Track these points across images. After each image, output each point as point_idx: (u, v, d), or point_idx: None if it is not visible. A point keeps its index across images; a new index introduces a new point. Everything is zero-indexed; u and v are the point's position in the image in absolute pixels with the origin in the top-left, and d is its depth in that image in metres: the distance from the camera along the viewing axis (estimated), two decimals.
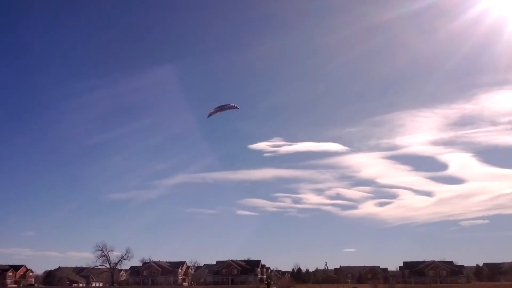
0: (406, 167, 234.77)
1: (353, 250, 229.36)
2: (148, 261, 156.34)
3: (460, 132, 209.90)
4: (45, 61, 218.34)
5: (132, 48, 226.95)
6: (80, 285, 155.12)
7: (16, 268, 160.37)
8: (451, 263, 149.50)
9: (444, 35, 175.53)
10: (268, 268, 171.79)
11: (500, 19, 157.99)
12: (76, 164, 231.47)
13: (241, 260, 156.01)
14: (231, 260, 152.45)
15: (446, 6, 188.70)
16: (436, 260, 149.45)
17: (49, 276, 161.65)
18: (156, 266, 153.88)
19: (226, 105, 38.40)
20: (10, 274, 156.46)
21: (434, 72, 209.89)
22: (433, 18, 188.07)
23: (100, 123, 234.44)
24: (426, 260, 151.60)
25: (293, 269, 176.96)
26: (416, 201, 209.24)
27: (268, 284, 51.69)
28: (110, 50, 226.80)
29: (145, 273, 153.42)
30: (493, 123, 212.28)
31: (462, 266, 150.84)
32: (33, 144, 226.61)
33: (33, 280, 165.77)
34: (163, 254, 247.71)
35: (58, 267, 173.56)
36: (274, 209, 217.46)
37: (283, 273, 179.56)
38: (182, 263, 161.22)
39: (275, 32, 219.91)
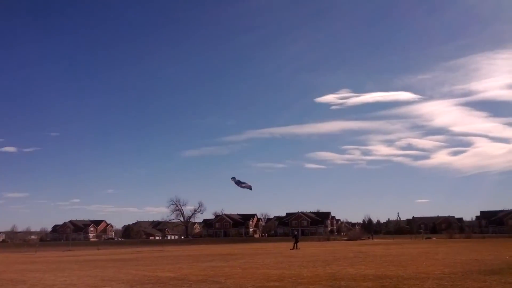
0: (482, 114, 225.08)
1: (425, 200, 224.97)
2: (220, 214, 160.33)
3: None
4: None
5: None
6: (156, 238, 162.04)
7: (97, 223, 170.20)
8: None
9: None
10: (338, 220, 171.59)
11: None
12: (151, 124, 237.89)
13: (310, 212, 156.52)
14: (301, 212, 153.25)
15: None
16: None
17: (127, 230, 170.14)
18: (227, 218, 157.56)
19: (243, 183, 42.59)
20: (91, 228, 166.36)
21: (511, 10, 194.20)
22: None
23: (172, 85, 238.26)
24: (505, 209, 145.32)
25: (363, 220, 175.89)
26: (492, 149, 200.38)
27: (296, 238, 49.09)
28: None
29: (217, 225, 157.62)
30: None
31: None
32: (109, 105, 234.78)
33: (113, 234, 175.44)
34: (235, 208, 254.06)
35: (136, 221, 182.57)
36: (343, 162, 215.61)
37: (354, 224, 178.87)
38: (253, 215, 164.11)
39: None
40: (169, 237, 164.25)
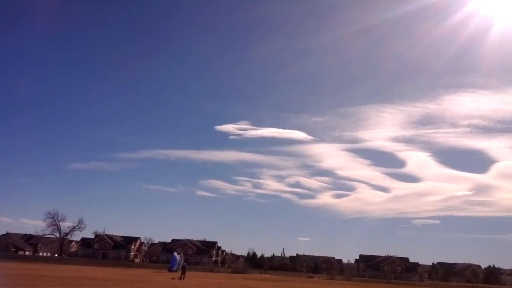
0: (366, 161, 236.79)
1: (307, 239, 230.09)
2: (101, 234, 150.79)
3: (421, 131, 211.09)
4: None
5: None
6: (27, 253, 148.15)
7: None
8: (406, 259, 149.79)
9: (422, 38, 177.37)
10: (223, 251, 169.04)
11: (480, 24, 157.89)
12: (37, 130, 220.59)
13: (197, 240, 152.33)
14: (187, 240, 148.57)
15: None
16: (392, 255, 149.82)
17: None
18: (108, 239, 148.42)
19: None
20: None
21: (400, 70, 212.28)
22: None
23: (68, 94, 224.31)
24: (382, 254, 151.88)
25: (248, 253, 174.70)
26: (372, 196, 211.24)
27: (183, 268, 46.85)
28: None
29: (96, 246, 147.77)
30: (453, 125, 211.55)
31: (417, 264, 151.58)
32: None
33: None
34: (118, 228, 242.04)
35: (6, 232, 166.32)
36: (234, 192, 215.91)
37: (238, 256, 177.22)
38: (136, 238, 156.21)
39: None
40: (41, 254, 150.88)
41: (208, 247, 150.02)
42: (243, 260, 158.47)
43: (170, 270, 53.01)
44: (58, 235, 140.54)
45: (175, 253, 60.60)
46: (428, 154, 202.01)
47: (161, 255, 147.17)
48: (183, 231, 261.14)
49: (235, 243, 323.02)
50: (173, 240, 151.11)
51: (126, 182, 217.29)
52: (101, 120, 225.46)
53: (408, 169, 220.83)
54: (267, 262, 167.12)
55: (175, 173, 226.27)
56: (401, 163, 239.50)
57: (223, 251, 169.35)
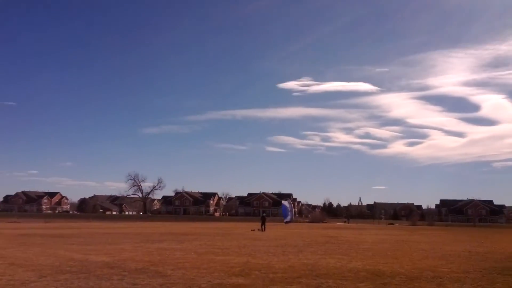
0: (437, 108, 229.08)
1: (383, 187, 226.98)
2: (181, 191, 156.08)
3: (494, 74, 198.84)
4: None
5: None
6: (113, 212, 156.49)
7: (51, 195, 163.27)
8: (491, 202, 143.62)
9: None
10: (299, 202, 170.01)
11: None
12: (112, 99, 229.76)
13: (272, 193, 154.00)
14: (263, 193, 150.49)
15: None
16: (475, 199, 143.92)
17: (83, 204, 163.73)
18: (188, 196, 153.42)
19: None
20: (45, 200, 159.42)
21: (468, 12, 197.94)
22: None
23: (134, 62, 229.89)
24: (463, 198, 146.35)
25: (324, 203, 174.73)
26: (446, 142, 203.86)
27: (263, 220, 45.69)
28: None
29: (177, 202, 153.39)
30: None
31: (503, 206, 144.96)
32: (70, 78, 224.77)
33: (68, 207, 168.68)
34: (195, 186, 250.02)
35: (92, 195, 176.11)
36: (303, 147, 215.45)
37: (314, 207, 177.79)
38: (214, 194, 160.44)
39: None
40: (127, 213, 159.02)
41: (283, 198, 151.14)
42: (320, 210, 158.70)
43: (285, 222, 52.15)
44: (140, 195, 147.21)
45: (283, 201, 60.49)
46: (504, 96, 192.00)
47: (239, 208, 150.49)
48: (258, 186, 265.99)
49: (310, 194, 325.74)
50: (249, 194, 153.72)
51: (197, 143, 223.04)
52: (166, 86, 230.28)
53: (483, 112, 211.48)
54: (344, 211, 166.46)
55: (242, 132, 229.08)
56: (475, 107, 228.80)
57: (299, 202, 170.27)
